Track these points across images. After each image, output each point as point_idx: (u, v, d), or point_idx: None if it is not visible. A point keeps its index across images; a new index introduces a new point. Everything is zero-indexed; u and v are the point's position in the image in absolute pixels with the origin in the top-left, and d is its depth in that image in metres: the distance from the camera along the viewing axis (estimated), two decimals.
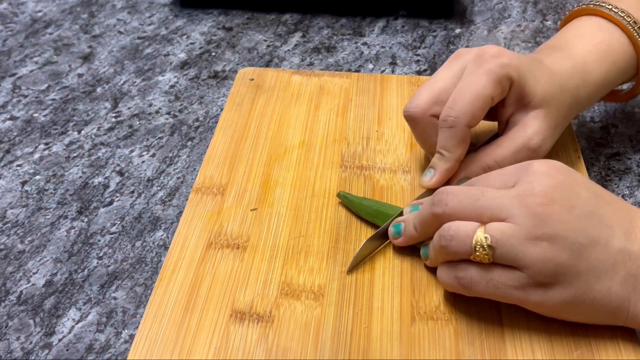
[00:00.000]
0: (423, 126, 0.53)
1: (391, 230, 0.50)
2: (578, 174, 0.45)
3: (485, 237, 0.42)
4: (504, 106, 0.53)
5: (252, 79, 0.70)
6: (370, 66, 0.76)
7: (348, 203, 0.54)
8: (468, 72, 0.51)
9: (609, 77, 0.56)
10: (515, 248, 0.42)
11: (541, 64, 0.54)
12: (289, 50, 0.79)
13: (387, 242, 0.51)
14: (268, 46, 0.80)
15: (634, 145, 0.65)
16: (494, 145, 0.53)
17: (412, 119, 0.54)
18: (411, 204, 0.51)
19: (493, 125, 0.58)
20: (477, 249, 0.43)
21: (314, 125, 0.64)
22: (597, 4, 0.58)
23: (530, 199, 0.42)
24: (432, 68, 0.76)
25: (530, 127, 0.52)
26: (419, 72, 0.75)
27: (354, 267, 0.50)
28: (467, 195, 0.44)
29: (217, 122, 0.66)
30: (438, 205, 0.45)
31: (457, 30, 0.82)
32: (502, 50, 0.52)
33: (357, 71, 0.75)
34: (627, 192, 0.60)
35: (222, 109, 0.69)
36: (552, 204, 0.42)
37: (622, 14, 0.56)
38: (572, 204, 0.42)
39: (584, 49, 0.56)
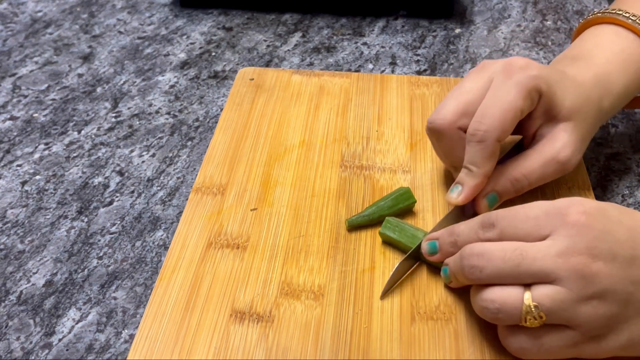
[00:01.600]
0: (448, 139, 0.52)
1: (425, 247, 0.49)
2: (610, 207, 0.43)
3: (535, 307, 0.40)
4: (531, 119, 0.52)
5: (252, 79, 0.70)
6: (370, 66, 0.76)
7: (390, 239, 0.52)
8: (496, 84, 0.50)
9: (632, 85, 0.56)
10: (567, 311, 0.40)
11: (566, 75, 0.53)
12: (289, 50, 0.79)
13: (418, 263, 0.51)
14: (268, 46, 0.80)
15: (634, 145, 0.65)
16: (521, 159, 0.52)
17: (437, 132, 0.52)
18: (427, 240, 0.49)
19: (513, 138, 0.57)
20: (528, 318, 0.41)
21: (314, 125, 0.64)
22: (613, 12, 0.57)
23: (575, 258, 0.40)
24: (432, 68, 0.76)
25: (559, 140, 0.51)
26: (419, 72, 0.75)
27: (387, 291, 0.48)
28: (505, 259, 0.42)
29: (217, 122, 0.66)
30: (471, 272, 0.43)
31: (457, 30, 0.82)
32: (530, 61, 0.51)
33: (357, 71, 0.76)
34: (627, 192, 0.60)
35: (222, 109, 0.69)
36: (597, 259, 0.40)
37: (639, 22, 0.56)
38: (614, 254, 0.41)
39: (604, 58, 0.55)
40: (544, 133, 0.52)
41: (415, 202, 0.54)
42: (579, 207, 0.42)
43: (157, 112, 0.70)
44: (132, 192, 0.60)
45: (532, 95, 0.50)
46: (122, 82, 0.74)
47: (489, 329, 0.46)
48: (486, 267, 0.42)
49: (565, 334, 0.41)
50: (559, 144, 0.51)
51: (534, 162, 0.51)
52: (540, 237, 0.42)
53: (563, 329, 0.41)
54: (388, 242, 0.52)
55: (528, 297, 0.41)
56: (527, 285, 0.41)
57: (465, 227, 0.46)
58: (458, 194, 0.51)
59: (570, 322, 0.41)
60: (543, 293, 0.40)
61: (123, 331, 0.49)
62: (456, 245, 0.46)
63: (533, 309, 0.40)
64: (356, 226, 0.53)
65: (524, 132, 0.53)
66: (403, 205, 0.54)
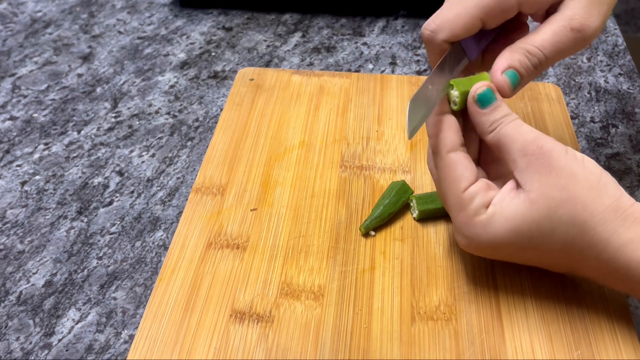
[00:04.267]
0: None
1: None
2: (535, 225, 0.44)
3: None
4: (545, 14, 0.49)
5: (252, 79, 0.70)
6: (370, 66, 0.76)
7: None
8: None
9: None
10: None
11: None
12: (288, 50, 0.79)
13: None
14: (268, 46, 0.80)
15: (634, 145, 0.65)
16: (534, 33, 0.48)
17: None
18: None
19: None
20: None
21: (314, 125, 0.64)
22: None
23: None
24: (432, 68, 0.75)
25: (568, 8, 0.47)
26: (418, 72, 0.75)
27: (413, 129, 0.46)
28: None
29: (217, 122, 0.66)
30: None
31: None
32: None
33: (357, 71, 0.75)
34: (627, 192, 0.60)
35: (222, 109, 0.69)
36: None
37: None
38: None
39: None
40: (555, 10, 0.49)
41: (413, 192, 0.55)
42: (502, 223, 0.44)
43: (156, 112, 0.70)
44: (132, 192, 0.60)
45: (502, 4, 0.47)
46: (121, 82, 0.74)
47: (489, 329, 0.46)
48: None
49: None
50: (569, 12, 0.47)
51: (546, 33, 0.47)
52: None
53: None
54: (426, 217, 0.54)
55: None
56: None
57: None
58: None
59: None
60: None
61: (123, 331, 0.49)
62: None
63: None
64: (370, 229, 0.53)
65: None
66: (404, 198, 0.54)
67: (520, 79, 0.48)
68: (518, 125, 0.45)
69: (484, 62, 0.52)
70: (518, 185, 0.44)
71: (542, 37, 0.47)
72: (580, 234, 0.43)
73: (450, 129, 0.46)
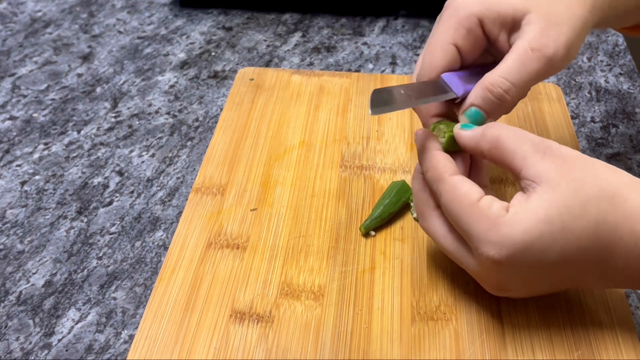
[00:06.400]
0: None
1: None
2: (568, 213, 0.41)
3: None
4: (498, 42, 0.48)
5: (252, 79, 0.70)
6: (370, 66, 0.76)
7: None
8: (436, 24, 0.49)
9: None
10: None
11: None
12: (289, 50, 0.79)
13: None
14: (268, 46, 0.80)
15: (634, 145, 0.65)
16: (497, 65, 0.47)
17: None
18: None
19: None
20: None
21: (314, 125, 0.64)
22: None
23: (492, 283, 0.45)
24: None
25: (528, 32, 0.46)
26: None
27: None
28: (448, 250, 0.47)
29: (216, 122, 0.66)
30: None
31: None
32: None
33: (357, 71, 0.75)
34: None
35: (221, 109, 0.69)
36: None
37: None
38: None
39: None
40: (516, 39, 0.48)
41: None
42: (492, 248, 0.42)
43: (156, 112, 0.70)
44: (132, 192, 0.60)
45: (464, 25, 0.47)
46: (121, 82, 0.74)
47: (489, 329, 0.46)
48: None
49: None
50: (529, 35, 0.46)
51: (508, 61, 0.46)
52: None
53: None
54: None
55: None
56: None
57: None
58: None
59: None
60: None
61: (123, 331, 0.49)
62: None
63: None
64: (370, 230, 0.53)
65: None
66: (405, 198, 0.54)
67: (485, 114, 0.47)
68: (518, 129, 0.45)
69: None
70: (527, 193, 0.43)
71: (505, 64, 0.46)
72: (612, 208, 0.41)
73: (447, 159, 0.46)
